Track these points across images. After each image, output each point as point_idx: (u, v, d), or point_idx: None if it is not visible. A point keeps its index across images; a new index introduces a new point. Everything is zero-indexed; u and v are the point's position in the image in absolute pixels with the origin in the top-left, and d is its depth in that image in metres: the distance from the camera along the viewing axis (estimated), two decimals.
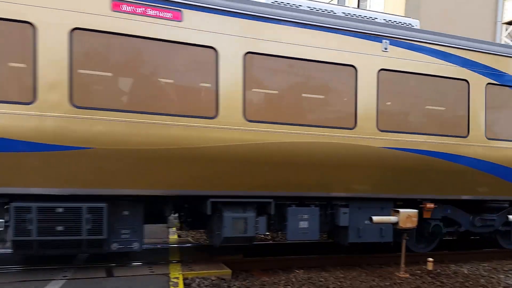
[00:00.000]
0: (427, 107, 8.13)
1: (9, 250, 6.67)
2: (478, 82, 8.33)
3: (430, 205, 8.25)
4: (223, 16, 6.72)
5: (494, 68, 8.44)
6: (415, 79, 7.93)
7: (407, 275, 7.45)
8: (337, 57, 7.37)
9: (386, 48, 7.66)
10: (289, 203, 7.42)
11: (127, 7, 6.21)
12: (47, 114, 5.88)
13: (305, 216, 7.43)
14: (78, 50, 6.04)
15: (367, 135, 7.53)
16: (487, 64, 8.40)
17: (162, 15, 6.39)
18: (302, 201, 7.53)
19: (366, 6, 19.75)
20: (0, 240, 6.02)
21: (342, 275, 7.34)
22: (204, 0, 6.62)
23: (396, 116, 7.88)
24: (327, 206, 7.75)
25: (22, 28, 5.78)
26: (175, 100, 6.61)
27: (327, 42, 7.29)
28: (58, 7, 5.92)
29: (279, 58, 7.07)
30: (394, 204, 8.06)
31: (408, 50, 7.82)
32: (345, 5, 21.16)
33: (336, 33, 7.34)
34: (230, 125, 6.76)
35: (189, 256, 7.82)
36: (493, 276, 7.73)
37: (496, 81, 8.47)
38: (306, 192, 7.36)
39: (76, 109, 6.02)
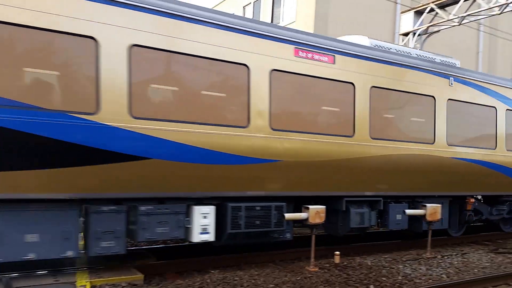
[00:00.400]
0: (473, 126, 10.66)
1: None
2: (501, 108, 11.23)
3: (472, 200, 10.83)
4: (359, 59, 8.72)
5: (510, 98, 11.46)
6: (467, 106, 10.49)
7: (317, 269, 7.79)
8: (420, 89, 9.62)
9: (452, 83, 10.12)
10: (389, 201, 9.41)
11: (302, 53, 8.05)
12: (256, 135, 7.50)
13: (400, 211, 9.47)
14: (274, 86, 7.77)
15: (441, 148, 9.91)
16: (506, 95, 11.34)
17: (322, 59, 8.27)
18: (397, 199, 9.58)
19: (280, 14, 20.34)
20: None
21: (256, 273, 7.48)
22: (348, 47, 8.60)
23: (457, 133, 10.29)
24: (410, 203, 9.85)
25: (241, 70, 7.44)
26: (327, 122, 8.38)
27: (417, 77, 9.57)
28: (264, 53, 7.65)
29: (388, 90, 9.17)
30: (448, 200, 10.47)
31: (462, 84, 10.37)
32: (260, 11, 21.59)
33: (421, 71, 9.65)
34: (362, 142, 8.69)
35: (99, 262, 7.49)
36: (393, 266, 8.32)
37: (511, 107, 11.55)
38: (401, 192, 9.40)
39: (273, 131, 7.69)
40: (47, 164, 5.92)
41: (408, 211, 9.29)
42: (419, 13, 15.63)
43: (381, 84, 9.01)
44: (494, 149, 10.97)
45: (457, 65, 10.73)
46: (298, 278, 7.20)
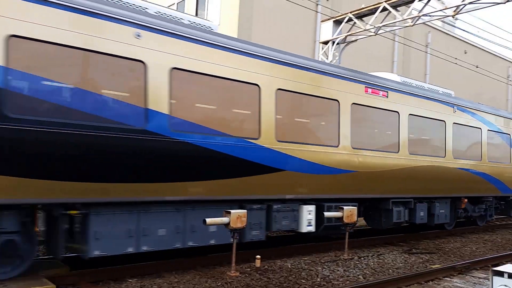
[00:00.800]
0: (469, 143, 14.15)
1: None
2: (484, 129, 14.86)
3: (466, 200, 14.01)
4: (402, 94, 11.82)
5: (490, 122, 15.14)
6: (464, 128, 13.95)
7: (238, 274, 7.79)
8: (437, 115, 12.89)
9: (455, 111, 13.56)
10: (415, 201, 12.28)
11: (369, 90, 10.90)
12: (342, 152, 10.19)
13: (423, 208, 12.55)
14: (352, 115, 10.47)
15: (450, 160, 13.19)
16: (487, 119, 15.00)
17: (380, 94, 11.17)
18: (420, 200, 12.54)
19: (204, 16, 20.18)
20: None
21: (176, 280, 7.34)
22: (396, 86, 11.67)
23: (458, 149, 13.62)
24: (429, 203, 12.91)
25: (334, 104, 10.17)
26: (383, 142, 11.27)
27: (434, 106, 12.82)
28: (348, 91, 10.41)
29: (420, 117, 12.36)
30: (450, 200, 13.69)
31: (461, 112, 13.84)
32: (185, 12, 21.28)
33: (438, 102, 13.02)
34: (403, 156, 11.64)
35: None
36: (312, 268, 8.55)
37: (490, 128, 15.16)
38: (423, 194, 12.41)
39: (353, 149, 10.41)
40: (233, 174, 8.29)
41: (327, 214, 9.61)
42: (338, 22, 16.24)
43: (416, 113, 12.15)
44: (480, 160, 14.55)
45: (453, 95, 14.24)
46: (218, 284, 7.17)
